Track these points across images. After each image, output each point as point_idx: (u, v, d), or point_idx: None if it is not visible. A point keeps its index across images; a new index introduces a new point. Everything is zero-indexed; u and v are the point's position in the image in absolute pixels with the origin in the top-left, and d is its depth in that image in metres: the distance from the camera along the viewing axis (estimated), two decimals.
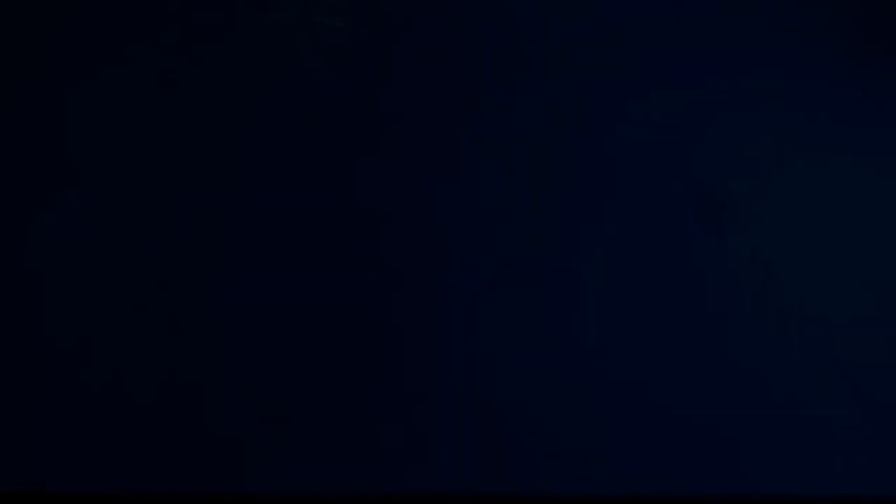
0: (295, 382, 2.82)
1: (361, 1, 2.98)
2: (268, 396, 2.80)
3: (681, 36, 3.05)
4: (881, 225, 3.04)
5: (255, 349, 2.82)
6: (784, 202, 3.04)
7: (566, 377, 2.88)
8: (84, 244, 2.84)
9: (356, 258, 2.89)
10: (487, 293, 2.90)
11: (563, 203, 2.96)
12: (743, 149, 3.05)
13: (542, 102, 3.00)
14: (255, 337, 2.84)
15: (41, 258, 2.83)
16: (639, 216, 2.98)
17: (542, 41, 3.00)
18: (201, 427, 2.77)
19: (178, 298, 2.83)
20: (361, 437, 2.81)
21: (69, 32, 2.92)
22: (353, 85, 2.97)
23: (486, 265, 2.92)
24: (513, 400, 2.85)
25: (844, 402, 2.94)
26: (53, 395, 2.76)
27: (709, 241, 2.97)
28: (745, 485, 2.87)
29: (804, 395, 2.95)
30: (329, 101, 2.95)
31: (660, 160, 3.01)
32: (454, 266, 2.91)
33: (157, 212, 2.87)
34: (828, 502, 2.87)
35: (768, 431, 2.91)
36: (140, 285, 2.83)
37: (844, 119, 3.09)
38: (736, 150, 3.05)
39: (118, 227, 2.85)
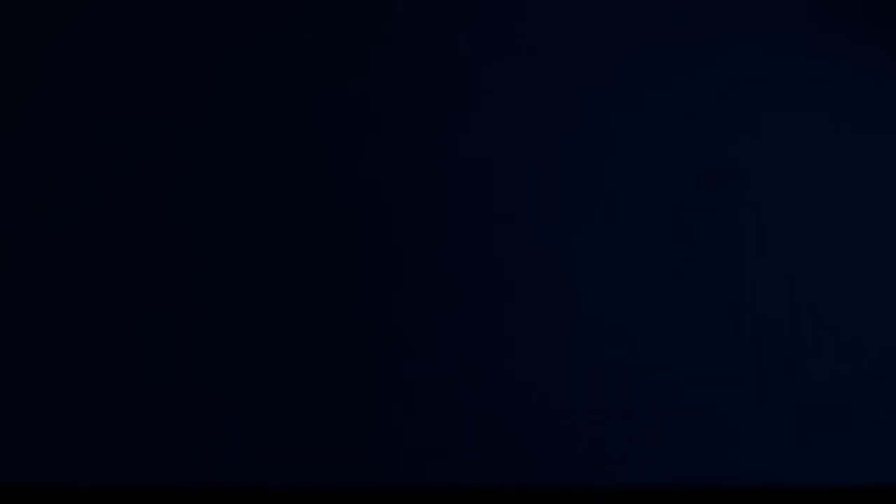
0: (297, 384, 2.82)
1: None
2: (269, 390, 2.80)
3: (688, 7, 3.05)
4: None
5: (258, 344, 2.83)
6: (796, 176, 3.00)
7: (568, 363, 2.85)
8: (84, 240, 2.87)
9: (355, 253, 2.89)
10: (485, 279, 2.89)
11: (567, 179, 2.95)
12: (753, 121, 3.02)
13: (543, 75, 2.99)
14: (257, 331, 2.85)
15: (41, 253, 2.85)
16: (643, 194, 2.96)
17: (544, 9, 3.00)
18: (204, 421, 2.78)
19: (181, 294, 2.84)
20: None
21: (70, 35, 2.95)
22: (348, 81, 2.99)
23: (484, 249, 2.92)
24: (514, 387, 2.84)
25: (863, 387, 2.89)
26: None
27: (716, 216, 2.93)
28: (754, 476, 2.84)
29: (820, 382, 2.90)
30: (324, 95, 2.97)
31: (666, 134, 2.99)
32: (453, 251, 2.91)
33: (153, 211, 2.89)
34: (841, 493, 2.84)
35: (780, 420, 2.88)
36: (141, 281, 2.85)
37: (859, 90, 3.04)
38: (746, 122, 3.02)
39: (116, 225, 2.88)
